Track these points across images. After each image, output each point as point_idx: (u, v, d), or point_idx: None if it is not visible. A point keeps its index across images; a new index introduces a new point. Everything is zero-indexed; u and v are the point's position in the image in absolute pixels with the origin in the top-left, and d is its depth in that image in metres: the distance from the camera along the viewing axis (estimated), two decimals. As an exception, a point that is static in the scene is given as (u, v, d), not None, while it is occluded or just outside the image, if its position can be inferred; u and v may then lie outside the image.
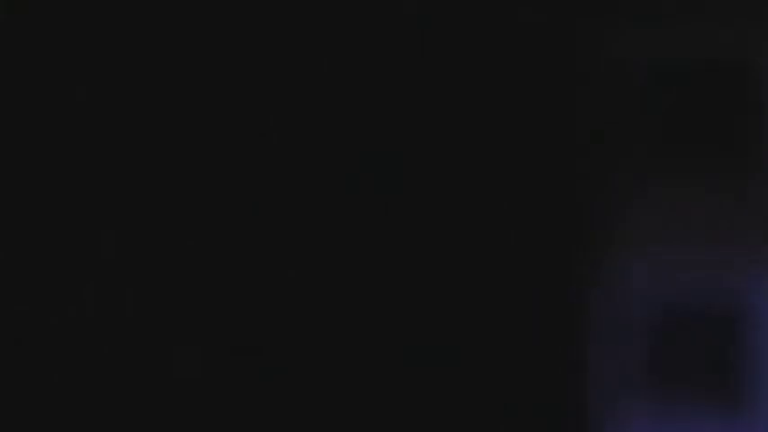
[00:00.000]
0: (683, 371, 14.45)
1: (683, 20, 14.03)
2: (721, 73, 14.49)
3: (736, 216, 14.50)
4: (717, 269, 14.48)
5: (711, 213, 14.56)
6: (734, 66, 14.46)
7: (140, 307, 4.74)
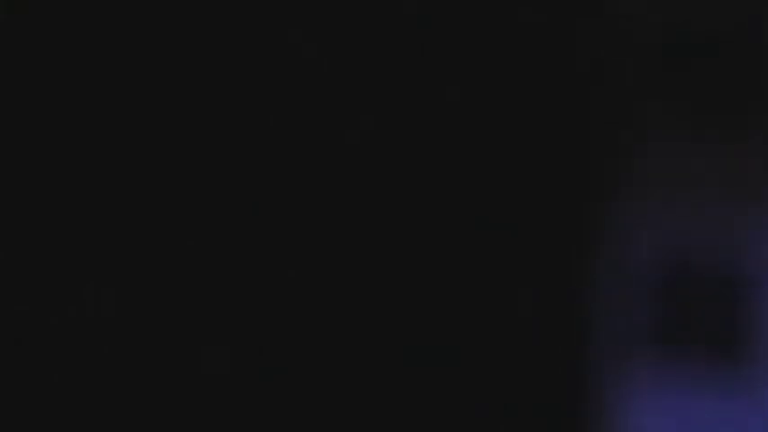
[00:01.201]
0: (686, 332, 14.90)
1: None
2: (728, 33, 14.84)
3: (745, 184, 14.88)
4: (723, 229, 14.87)
5: (716, 173, 14.92)
6: (739, 26, 14.79)
7: (141, 307, 4.69)
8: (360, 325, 4.36)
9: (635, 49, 14.90)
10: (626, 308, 14.54)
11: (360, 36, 4.24)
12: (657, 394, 15.01)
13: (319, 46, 4.05)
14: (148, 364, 4.32)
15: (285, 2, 4.06)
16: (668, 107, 15.66)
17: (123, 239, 4.79)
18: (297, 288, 4.34)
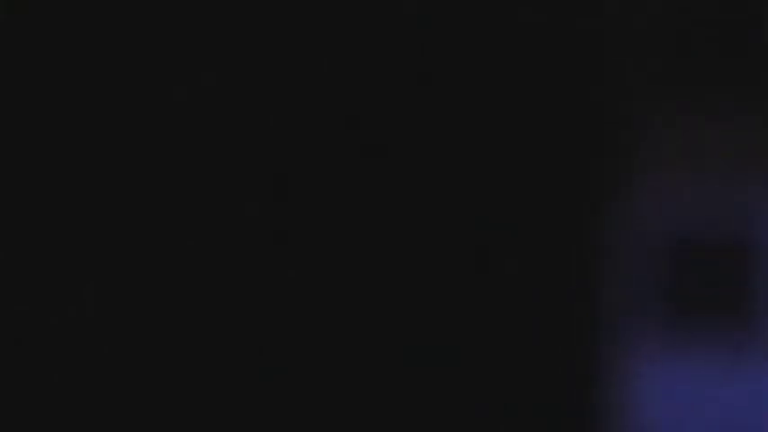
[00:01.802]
0: (692, 297, 15.19)
1: None
2: (723, 16, 15.08)
3: (750, 155, 15.14)
4: (728, 200, 15.14)
5: (725, 153, 15.19)
6: (735, 10, 15.03)
7: (137, 307, 4.69)
8: (362, 316, 4.40)
9: (642, 37, 15.22)
10: (637, 279, 14.82)
11: (357, 36, 4.38)
12: (669, 361, 15.31)
13: (318, 45, 4.19)
14: (146, 364, 4.42)
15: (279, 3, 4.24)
16: (674, 91, 15.99)
17: (120, 239, 4.75)
18: (295, 288, 4.42)
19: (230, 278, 4.75)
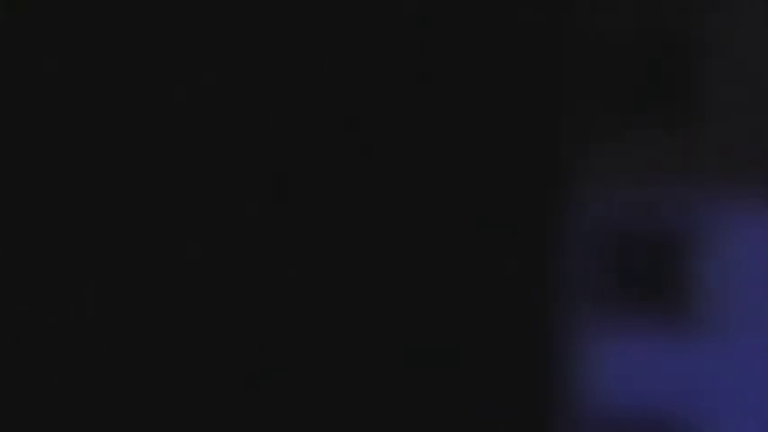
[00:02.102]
0: (629, 282, 17.40)
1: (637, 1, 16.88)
2: (663, 41, 17.27)
3: (679, 158, 17.34)
4: (664, 202, 17.33)
5: (658, 157, 17.39)
6: (672, 35, 17.24)
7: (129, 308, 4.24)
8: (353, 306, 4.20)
9: (596, 55, 17.34)
10: (587, 268, 16.87)
11: (344, 39, 4.19)
12: (606, 334, 17.45)
13: (309, 45, 4.07)
14: (138, 362, 4.24)
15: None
16: (620, 106, 18.12)
17: (113, 238, 4.32)
18: (284, 287, 4.28)
19: (216, 274, 4.33)
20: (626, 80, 17.22)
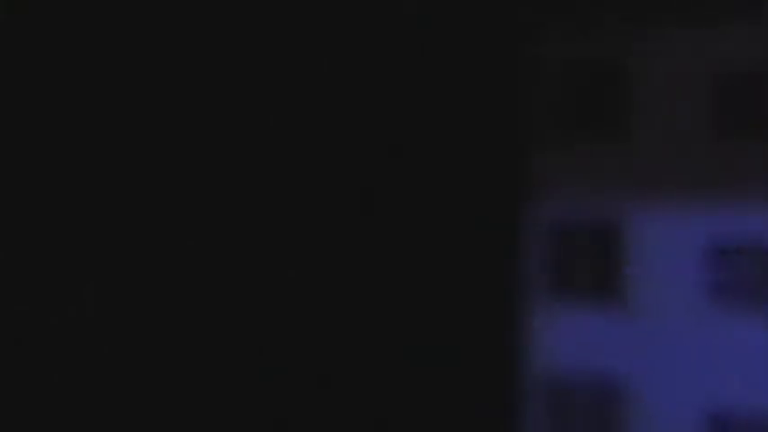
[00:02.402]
0: (574, 273, 20.03)
1: (582, 30, 19.48)
2: (604, 68, 19.80)
3: (614, 170, 19.87)
4: (601, 204, 19.93)
5: (598, 169, 20.04)
6: (611, 63, 19.69)
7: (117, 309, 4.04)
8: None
9: (548, 84, 19.89)
10: (538, 259, 19.58)
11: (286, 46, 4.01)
12: (558, 315, 20.07)
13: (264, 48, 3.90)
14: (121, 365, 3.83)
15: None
16: (565, 127, 20.60)
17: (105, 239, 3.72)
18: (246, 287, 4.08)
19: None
20: (573, 104, 19.87)
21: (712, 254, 19.22)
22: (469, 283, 17.89)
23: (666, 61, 19.39)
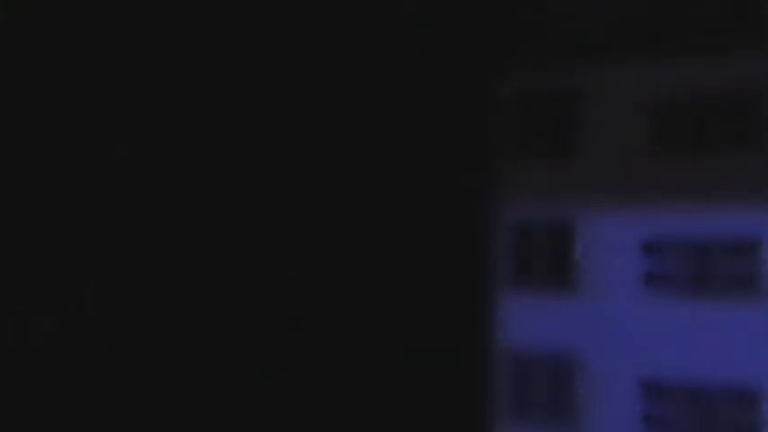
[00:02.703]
0: (533, 264, 23.31)
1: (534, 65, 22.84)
2: (560, 94, 23.05)
3: (567, 179, 23.24)
4: (556, 207, 23.48)
5: (554, 178, 23.27)
6: (567, 90, 22.93)
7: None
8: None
9: (510, 106, 22.41)
10: (505, 252, 22.58)
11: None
12: (519, 299, 23.23)
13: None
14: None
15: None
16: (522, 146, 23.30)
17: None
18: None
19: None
20: (534, 123, 23.10)
21: (647, 249, 22.53)
22: (449, 272, 21.00)
23: (613, 89, 22.94)
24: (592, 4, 22.84)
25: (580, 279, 22.98)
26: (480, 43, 20.79)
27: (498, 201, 22.90)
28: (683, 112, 22.00)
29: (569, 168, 23.09)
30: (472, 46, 20.69)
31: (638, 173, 22.58)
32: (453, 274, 21.00)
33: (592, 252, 23.03)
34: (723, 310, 21.68)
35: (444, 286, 21.17)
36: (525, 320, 23.42)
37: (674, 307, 22.02)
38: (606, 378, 22.73)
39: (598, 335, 22.81)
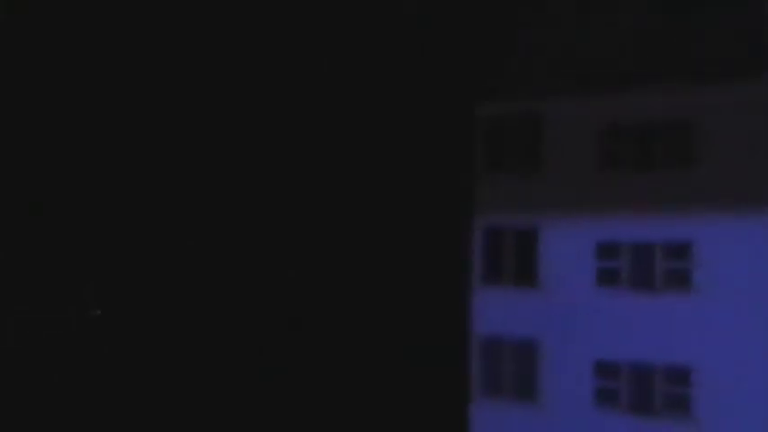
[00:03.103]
0: (503, 264, 26.64)
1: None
2: (525, 120, 26.41)
3: (532, 192, 26.77)
4: (523, 216, 26.91)
5: (520, 191, 26.79)
6: (531, 116, 26.36)
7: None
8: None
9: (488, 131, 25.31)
10: (479, 254, 25.72)
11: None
12: (490, 294, 26.63)
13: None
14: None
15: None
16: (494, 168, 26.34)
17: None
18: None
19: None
20: (505, 144, 26.44)
21: (599, 250, 25.71)
22: (431, 271, 24.40)
23: (570, 115, 26.35)
24: (553, 46, 26.17)
25: (543, 276, 26.21)
26: (462, 75, 23.73)
27: (475, 211, 26.24)
28: (628, 136, 25.65)
29: (534, 182, 26.57)
30: (456, 78, 23.80)
31: (592, 186, 25.71)
32: (435, 274, 23.78)
33: (552, 253, 26.15)
34: (662, 301, 24.96)
35: (427, 284, 23.97)
36: (496, 312, 26.63)
37: (621, 299, 25.16)
38: (564, 360, 25.76)
39: (558, 324, 26.00)
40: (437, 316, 25.58)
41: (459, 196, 25.04)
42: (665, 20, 25.21)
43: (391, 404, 20.37)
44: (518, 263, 26.59)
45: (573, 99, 26.06)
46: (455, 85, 23.85)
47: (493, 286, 26.76)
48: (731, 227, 24.15)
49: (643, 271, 24.87)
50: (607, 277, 25.33)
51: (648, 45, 25.46)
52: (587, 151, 25.81)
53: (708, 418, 23.98)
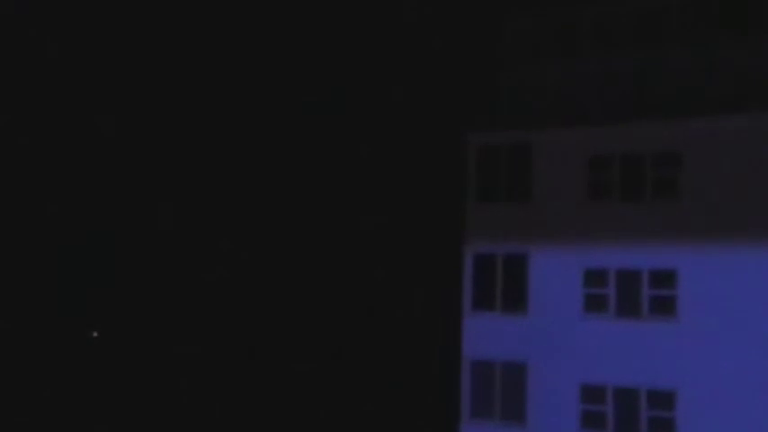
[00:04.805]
0: (493, 289, 27.19)
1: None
2: (514, 150, 27.10)
3: (520, 220, 27.14)
4: (508, 244, 27.43)
5: (509, 220, 27.22)
6: (520, 147, 26.87)
7: None
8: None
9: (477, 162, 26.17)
10: (470, 279, 26.46)
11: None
12: (481, 318, 27.13)
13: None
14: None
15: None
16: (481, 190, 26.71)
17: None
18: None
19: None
20: (495, 174, 27.04)
21: (586, 277, 26.39)
22: (423, 296, 25.23)
23: (557, 147, 27.03)
24: (540, 82, 26.75)
25: (531, 302, 26.85)
26: (453, 109, 24.65)
27: (466, 239, 26.79)
28: (614, 167, 26.30)
29: (522, 211, 27.27)
30: (447, 112, 24.68)
31: (580, 215, 26.29)
32: (426, 299, 24.52)
33: (541, 280, 26.71)
34: (647, 327, 25.60)
35: (418, 309, 24.83)
36: (485, 337, 27.26)
37: (607, 324, 25.77)
38: (551, 381, 26.30)
39: (546, 348, 26.63)
40: (428, 340, 26.35)
41: (450, 224, 25.78)
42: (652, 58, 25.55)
43: (382, 427, 21.41)
44: (507, 289, 27.12)
45: (561, 131, 26.76)
46: (446, 115, 24.60)
47: (482, 311, 27.34)
48: (715, 256, 24.74)
49: (629, 297, 25.43)
50: (594, 303, 25.93)
51: (639, 80, 26.05)
52: (576, 180, 26.41)
53: (691, 440, 24.46)
